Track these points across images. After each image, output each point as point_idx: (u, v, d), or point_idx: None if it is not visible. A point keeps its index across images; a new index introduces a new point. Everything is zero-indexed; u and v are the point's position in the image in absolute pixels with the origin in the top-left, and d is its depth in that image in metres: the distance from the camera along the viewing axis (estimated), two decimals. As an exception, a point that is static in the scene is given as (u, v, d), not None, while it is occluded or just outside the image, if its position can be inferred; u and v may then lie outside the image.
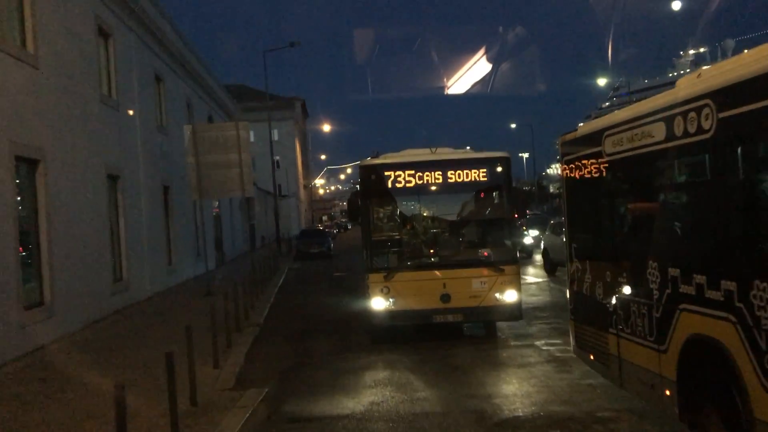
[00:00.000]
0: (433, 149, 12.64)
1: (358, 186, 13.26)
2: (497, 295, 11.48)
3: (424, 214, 12.65)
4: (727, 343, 5.32)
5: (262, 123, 42.81)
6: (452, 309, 11.47)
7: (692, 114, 5.77)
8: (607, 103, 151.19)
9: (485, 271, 11.60)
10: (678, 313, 6.00)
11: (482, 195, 12.57)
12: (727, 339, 5.32)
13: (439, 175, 11.99)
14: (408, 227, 12.58)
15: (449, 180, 11.96)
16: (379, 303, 11.61)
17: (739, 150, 5.35)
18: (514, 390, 8.69)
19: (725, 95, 5.42)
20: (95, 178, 16.08)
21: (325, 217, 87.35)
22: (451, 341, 11.84)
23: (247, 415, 7.90)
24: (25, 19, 12.87)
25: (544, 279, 20.93)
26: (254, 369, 10.57)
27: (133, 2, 19.42)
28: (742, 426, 5.20)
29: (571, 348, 8.86)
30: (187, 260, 25.27)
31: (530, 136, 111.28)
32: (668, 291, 6.16)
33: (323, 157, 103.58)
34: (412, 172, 11.94)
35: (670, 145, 6.19)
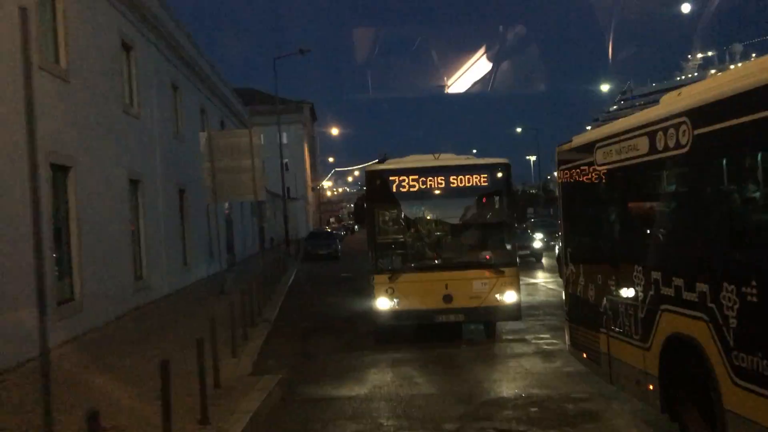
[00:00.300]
0: (437, 155, 13.09)
1: (364, 190, 13.75)
2: (497, 296, 11.87)
3: (428, 218, 13.07)
4: (701, 341, 5.73)
5: (272, 126, 43.89)
6: (454, 309, 11.84)
7: (671, 130, 6.20)
8: (615, 107, 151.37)
9: (486, 273, 11.98)
10: (660, 313, 6.43)
11: (483, 200, 12.95)
12: (701, 336, 5.73)
13: (441, 180, 12.42)
14: (412, 230, 12.96)
15: (451, 185, 12.38)
16: (383, 303, 12.04)
17: (711, 164, 5.79)
18: (502, 377, 9.70)
19: (700, 114, 5.84)
20: (118, 182, 17.19)
21: (332, 219, 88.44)
22: (450, 338, 12.43)
23: (264, 396, 8.94)
24: (59, 37, 13.99)
25: (543, 281, 21.88)
26: (268, 359, 11.60)
27: (154, 17, 20.56)
28: (716, 416, 5.62)
29: (567, 347, 9.39)
30: (201, 260, 26.36)
31: (537, 139, 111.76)
32: (651, 293, 6.59)
33: (331, 159, 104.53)
34: (416, 177, 12.39)
35: (652, 158, 6.64)
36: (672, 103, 6.57)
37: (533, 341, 12.05)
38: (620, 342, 7.35)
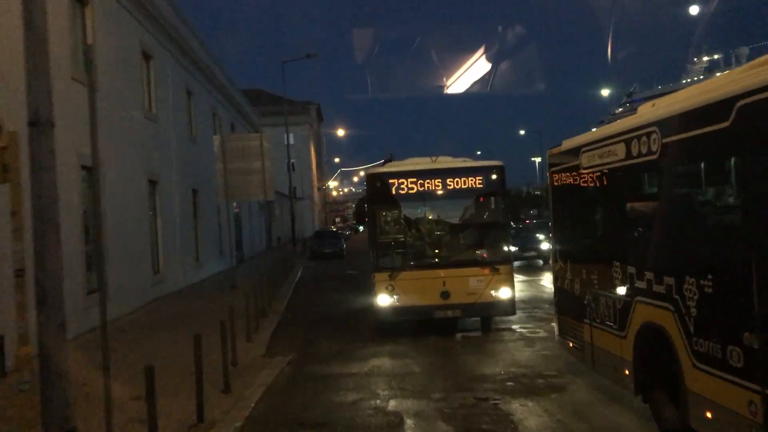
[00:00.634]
0: (434, 158, 13.60)
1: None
2: (493, 292, 12.43)
3: (426, 218, 13.56)
4: (668, 328, 6.22)
5: (279, 127, 45.06)
6: (451, 305, 12.41)
7: (644, 138, 6.71)
8: (620, 109, 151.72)
9: (482, 271, 12.53)
10: (634, 304, 6.96)
11: (479, 200, 13.42)
12: (668, 325, 6.22)
13: (439, 182, 12.98)
14: (411, 230, 13.47)
15: (448, 187, 12.94)
16: (384, 299, 12.60)
17: (676, 170, 6.39)
18: (486, 359, 10.91)
19: (667, 124, 6.35)
20: (139, 183, 18.50)
21: (338, 219, 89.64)
22: (446, 332, 13.11)
23: (277, 373, 10.23)
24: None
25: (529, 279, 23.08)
26: (279, 344, 12.85)
27: (171, 27, 21.87)
28: (680, 397, 6.13)
29: (556, 337, 10.05)
30: (212, 257, 27.68)
31: (543, 140, 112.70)
32: (627, 286, 7.13)
33: (337, 159, 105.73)
34: (415, 179, 12.96)
35: (628, 162, 7.16)
36: (646, 113, 7.12)
37: (518, 330, 13.26)
38: (601, 331, 7.90)
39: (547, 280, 23.27)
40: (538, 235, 27.93)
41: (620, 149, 7.29)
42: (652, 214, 7.02)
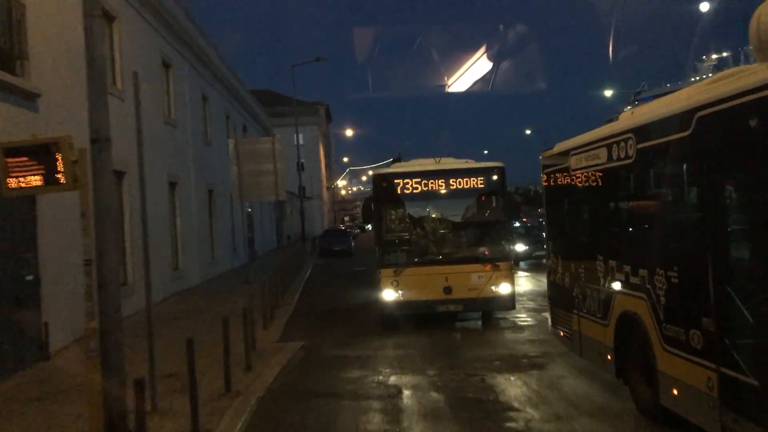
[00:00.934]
0: (437, 159, 14.26)
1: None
2: (493, 287, 12.95)
3: (429, 217, 14.13)
4: (642, 316, 6.77)
5: (289, 128, 46.28)
6: (453, 300, 12.91)
7: (622, 143, 7.22)
8: (629, 107, 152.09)
9: (483, 267, 13.05)
10: (615, 295, 7.52)
11: (480, 200, 13.92)
12: (642, 312, 6.77)
13: (442, 182, 13.50)
14: (415, 228, 14.07)
15: (451, 187, 13.46)
16: (389, 294, 13.19)
17: (648, 173, 6.98)
18: (479, 343, 12.11)
19: (640, 131, 6.88)
20: (160, 185, 19.80)
21: (347, 218, 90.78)
22: (447, 325, 13.89)
23: (291, 354, 11.50)
24: (116, 63, 16.58)
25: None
26: (292, 332, 14.07)
27: (188, 36, 23.17)
28: (652, 377, 6.70)
29: (549, 327, 10.69)
30: (226, 254, 28.97)
31: (549, 140, 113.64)
32: (609, 278, 7.69)
33: (345, 159, 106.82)
34: (419, 180, 13.50)
35: (608, 165, 7.70)
36: (624, 120, 7.71)
37: (511, 319, 14.44)
38: (587, 321, 8.48)
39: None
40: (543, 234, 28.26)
41: (603, 153, 7.84)
42: (629, 213, 7.74)
